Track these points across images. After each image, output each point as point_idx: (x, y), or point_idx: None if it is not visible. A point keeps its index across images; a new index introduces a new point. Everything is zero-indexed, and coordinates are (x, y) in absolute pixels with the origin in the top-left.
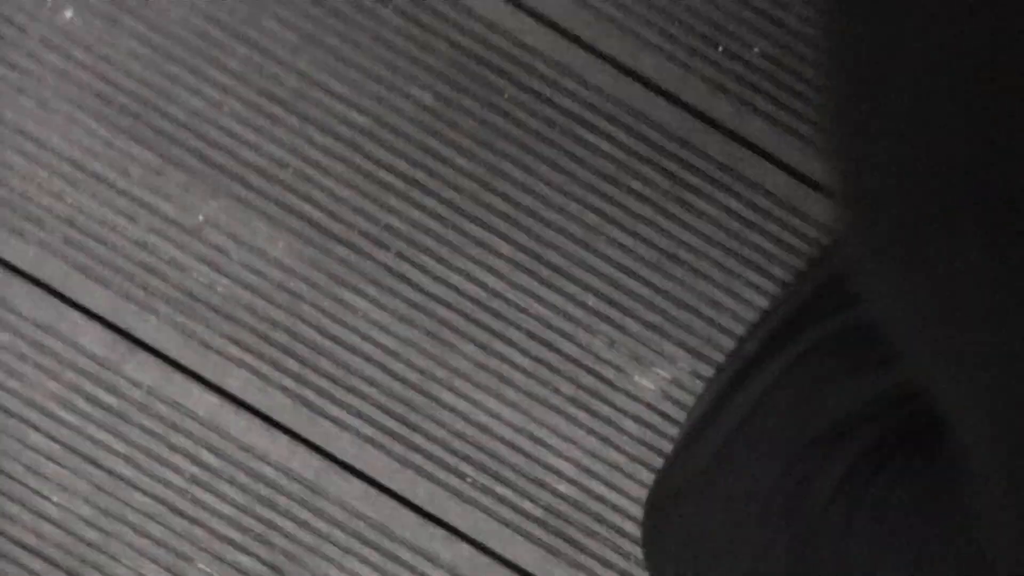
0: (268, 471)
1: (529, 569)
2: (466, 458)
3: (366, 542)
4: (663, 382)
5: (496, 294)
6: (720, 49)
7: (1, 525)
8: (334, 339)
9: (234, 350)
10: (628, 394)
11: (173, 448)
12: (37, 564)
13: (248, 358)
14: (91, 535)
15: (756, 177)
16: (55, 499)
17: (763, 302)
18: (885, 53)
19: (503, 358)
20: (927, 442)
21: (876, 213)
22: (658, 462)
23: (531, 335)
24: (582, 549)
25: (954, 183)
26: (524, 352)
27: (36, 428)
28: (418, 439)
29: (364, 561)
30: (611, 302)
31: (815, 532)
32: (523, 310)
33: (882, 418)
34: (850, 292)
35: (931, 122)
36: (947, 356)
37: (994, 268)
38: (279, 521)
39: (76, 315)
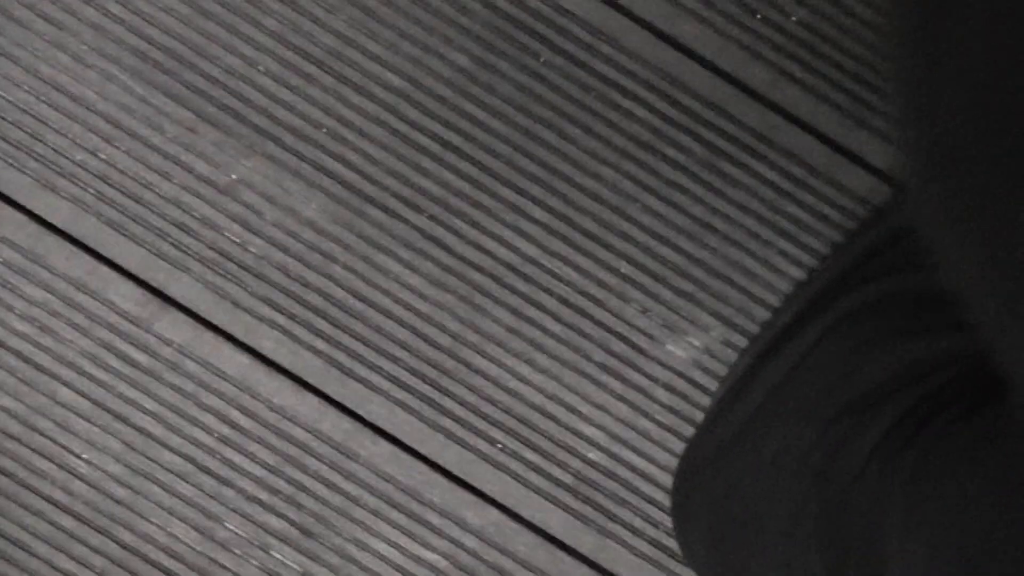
0: (298, 432)
1: (558, 535)
2: (497, 423)
3: (395, 505)
4: (695, 351)
5: (529, 259)
6: (758, 16)
7: (32, 482)
8: (366, 301)
9: (266, 310)
10: (660, 362)
11: (203, 407)
12: (67, 521)
13: (280, 319)
14: (121, 493)
15: (792, 146)
16: (85, 456)
17: (797, 272)
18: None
19: (535, 324)
20: (966, 409)
21: (950, 171)
22: (688, 431)
23: (564, 301)
24: (611, 517)
25: None
26: (556, 318)
27: (67, 385)
28: (449, 403)
29: (393, 524)
30: (644, 269)
31: (848, 499)
32: (556, 276)
33: (918, 385)
34: (887, 262)
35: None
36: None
37: None
38: (308, 483)
39: (108, 272)
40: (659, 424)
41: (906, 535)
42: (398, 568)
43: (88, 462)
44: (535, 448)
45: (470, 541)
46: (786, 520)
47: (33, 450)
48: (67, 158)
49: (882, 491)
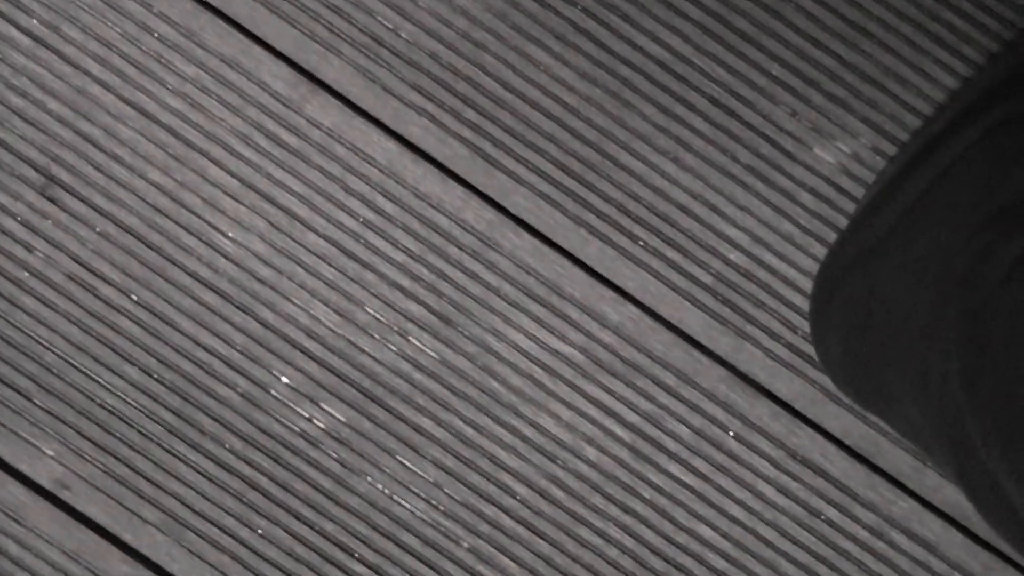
0: (442, 221)
1: (695, 335)
2: (639, 220)
3: (534, 298)
4: (843, 156)
5: (681, 57)
6: None
7: (178, 257)
8: (515, 92)
9: (415, 97)
10: (806, 166)
11: (349, 191)
12: (210, 297)
13: (429, 106)
14: (264, 272)
15: None
16: (231, 234)
17: (951, 82)
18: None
19: (683, 122)
20: None
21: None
22: (832, 236)
23: (713, 101)
24: (749, 319)
25: None
26: (705, 117)
27: (216, 163)
28: (593, 198)
29: (531, 316)
30: (796, 72)
31: (991, 304)
32: (707, 75)
33: None
34: None
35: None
36: None
37: None
38: (449, 271)
39: (261, 52)
40: (803, 228)
41: None
42: (535, 360)
43: (234, 240)
44: (676, 247)
45: (607, 337)
46: (925, 324)
47: (180, 225)
48: None
49: None
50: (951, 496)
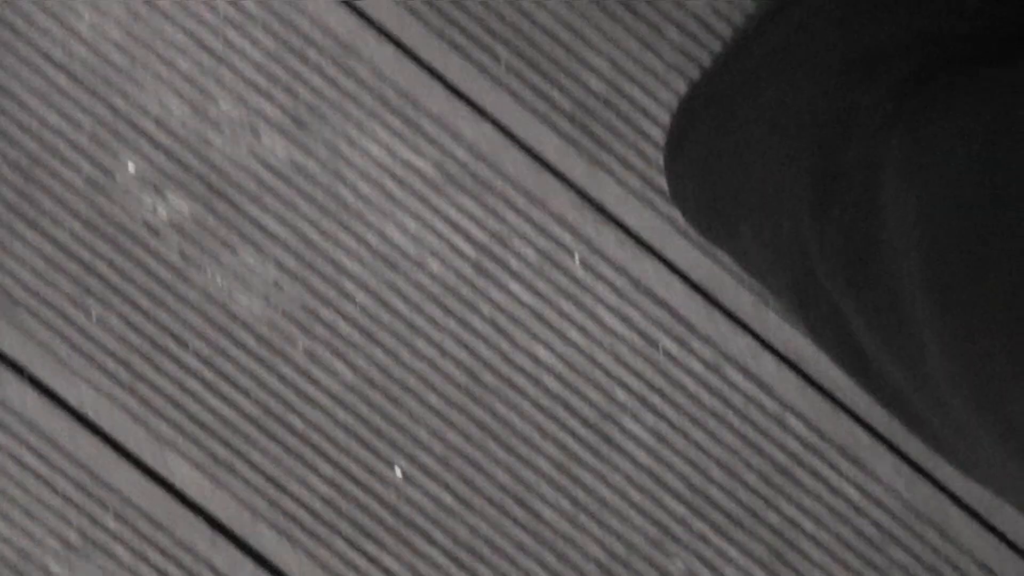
0: (303, 23)
1: (549, 159)
2: (503, 40)
3: (391, 108)
4: None
5: None
6: None
7: (30, 35)
8: None
9: None
10: (675, 1)
11: None
12: (62, 79)
13: None
14: (119, 59)
15: None
16: (88, 18)
17: None
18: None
19: None
20: (969, 70)
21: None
22: (695, 74)
23: None
24: (605, 147)
25: None
26: None
27: None
28: (457, 14)
29: (386, 126)
30: None
31: (846, 145)
32: None
33: (928, 47)
34: None
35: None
36: None
37: None
38: (307, 74)
39: None
40: (666, 62)
41: (901, 181)
42: (386, 169)
43: (90, 24)
44: (538, 69)
45: (461, 153)
46: (779, 159)
47: (35, 3)
48: None
49: (880, 140)
50: (789, 337)
